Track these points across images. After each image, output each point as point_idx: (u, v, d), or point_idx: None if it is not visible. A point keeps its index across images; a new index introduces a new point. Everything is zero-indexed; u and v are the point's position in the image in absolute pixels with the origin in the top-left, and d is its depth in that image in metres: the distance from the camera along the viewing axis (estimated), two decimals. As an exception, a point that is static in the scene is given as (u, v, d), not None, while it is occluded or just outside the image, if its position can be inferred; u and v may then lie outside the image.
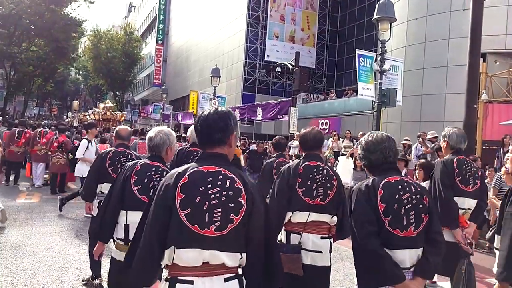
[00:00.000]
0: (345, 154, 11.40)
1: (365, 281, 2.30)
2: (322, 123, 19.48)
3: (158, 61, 47.41)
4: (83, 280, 4.53)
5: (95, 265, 4.24)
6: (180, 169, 1.93)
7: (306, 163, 3.26)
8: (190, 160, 4.44)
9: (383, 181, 2.35)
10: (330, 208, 3.22)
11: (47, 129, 12.14)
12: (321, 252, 3.16)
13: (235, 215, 1.85)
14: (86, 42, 52.52)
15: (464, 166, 3.85)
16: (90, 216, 4.70)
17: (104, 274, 4.22)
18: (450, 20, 15.17)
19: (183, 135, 13.73)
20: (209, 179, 1.87)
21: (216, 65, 22.12)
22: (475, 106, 9.59)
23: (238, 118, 19.23)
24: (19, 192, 10.18)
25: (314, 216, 3.17)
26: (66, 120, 30.60)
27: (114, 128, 17.88)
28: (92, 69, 50.43)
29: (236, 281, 1.88)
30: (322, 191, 3.19)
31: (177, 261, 1.84)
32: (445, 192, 3.77)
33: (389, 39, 11.11)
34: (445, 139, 4.02)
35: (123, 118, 23.47)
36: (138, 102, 57.92)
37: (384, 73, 11.04)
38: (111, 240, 3.12)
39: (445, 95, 15.10)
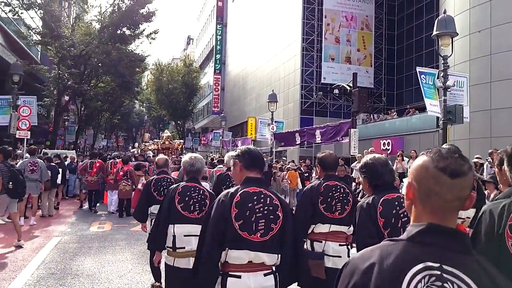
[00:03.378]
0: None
1: None
2: (384, 143, 18.94)
3: (216, 89, 48.78)
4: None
5: (155, 272, 5.00)
6: (232, 190, 2.52)
7: (325, 183, 3.75)
8: (227, 183, 5.90)
9: (381, 199, 2.70)
10: (347, 220, 3.71)
11: (117, 160, 13.21)
12: (340, 256, 3.62)
13: (275, 224, 2.46)
14: (148, 75, 55.30)
15: None
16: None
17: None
18: (517, 30, 14.41)
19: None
20: (254, 198, 2.47)
21: (272, 91, 22.38)
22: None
23: (298, 142, 19.21)
24: (93, 220, 10.75)
25: (334, 227, 3.68)
26: (132, 150, 32.06)
27: (173, 156, 18.60)
28: (154, 101, 52.85)
29: (272, 276, 2.46)
30: (340, 206, 3.69)
31: (228, 260, 2.39)
32: None
33: (451, 54, 10.74)
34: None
35: (180, 146, 24.26)
36: (198, 130, 59.66)
37: (448, 90, 10.64)
38: None
39: (517, 108, 14.22)
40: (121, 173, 11.73)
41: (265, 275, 2.43)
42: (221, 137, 31.44)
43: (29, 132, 15.93)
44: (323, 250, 3.65)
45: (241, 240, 2.39)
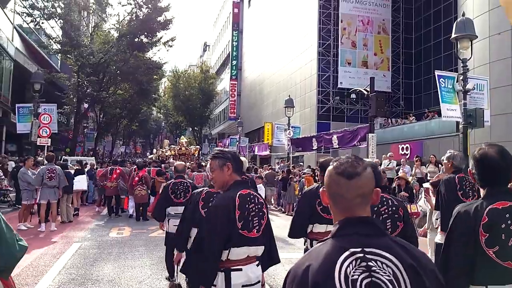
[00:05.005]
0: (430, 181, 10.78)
1: None
2: (403, 147, 18.72)
3: (233, 95, 48.96)
4: (166, 278, 5.90)
5: (171, 269, 5.54)
6: (229, 194, 2.75)
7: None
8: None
9: None
10: None
11: None
12: None
13: (263, 220, 2.82)
14: (166, 82, 55.93)
15: (464, 182, 4.44)
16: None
17: None
18: (539, 31, 14.11)
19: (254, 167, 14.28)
20: (248, 199, 2.76)
21: (289, 96, 22.35)
22: None
23: (314, 147, 19.12)
24: (112, 226, 10.86)
25: (331, 227, 3.66)
26: (150, 156, 32.34)
27: (192, 162, 18.72)
28: (172, 107, 53.36)
29: (260, 265, 2.83)
30: None
31: (230, 257, 2.65)
32: (449, 204, 4.18)
33: (470, 57, 10.57)
34: (450, 160, 4.72)
35: (196, 152, 24.40)
36: (215, 136, 59.93)
37: (468, 93, 10.47)
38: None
39: (539, 111, 13.90)
40: (137, 178, 12.01)
41: (257, 265, 2.80)
42: (237, 143, 31.48)
43: (49, 139, 16.23)
44: None
45: (243, 238, 2.68)
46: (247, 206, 2.72)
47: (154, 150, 34.89)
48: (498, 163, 2.19)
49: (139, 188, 11.86)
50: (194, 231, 3.70)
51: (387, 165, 13.69)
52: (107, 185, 12.84)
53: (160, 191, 11.93)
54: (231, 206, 2.67)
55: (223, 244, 2.64)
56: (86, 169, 15.26)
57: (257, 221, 2.76)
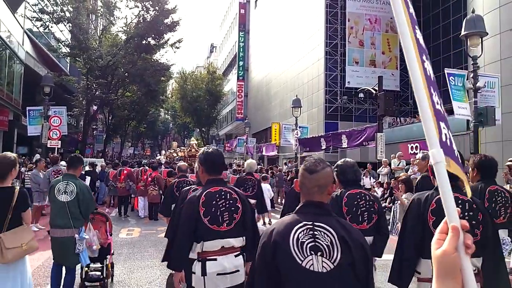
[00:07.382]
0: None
1: None
2: (412, 147, 18.55)
3: (240, 96, 48.96)
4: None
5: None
6: (197, 193, 3.05)
7: None
8: (245, 184, 7.45)
9: (347, 193, 3.54)
10: None
11: (146, 168, 13.70)
12: None
13: (236, 214, 3.05)
14: (173, 84, 56.12)
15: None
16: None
17: None
18: (550, 27, 13.92)
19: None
20: (216, 196, 3.02)
21: (296, 96, 22.29)
22: None
23: (323, 147, 19.03)
24: (122, 227, 10.89)
25: None
26: (158, 157, 32.47)
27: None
28: (179, 108, 53.52)
29: (240, 256, 3.07)
30: None
31: (204, 249, 2.95)
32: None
33: (481, 55, 10.47)
34: (427, 159, 4.92)
35: (205, 153, 24.43)
36: (222, 136, 60.00)
37: (479, 91, 10.37)
38: None
39: (551, 108, 13.69)
40: (150, 179, 12.41)
41: (236, 256, 3.04)
42: (245, 143, 31.45)
43: (59, 142, 16.32)
44: None
45: (212, 232, 2.95)
46: (214, 202, 2.99)
47: (163, 152, 34.99)
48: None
49: (151, 188, 12.22)
50: None
51: (397, 165, 13.58)
52: (118, 186, 13.15)
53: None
54: (196, 204, 2.97)
55: (188, 236, 2.95)
56: (97, 171, 15.41)
57: (227, 215, 3.00)
